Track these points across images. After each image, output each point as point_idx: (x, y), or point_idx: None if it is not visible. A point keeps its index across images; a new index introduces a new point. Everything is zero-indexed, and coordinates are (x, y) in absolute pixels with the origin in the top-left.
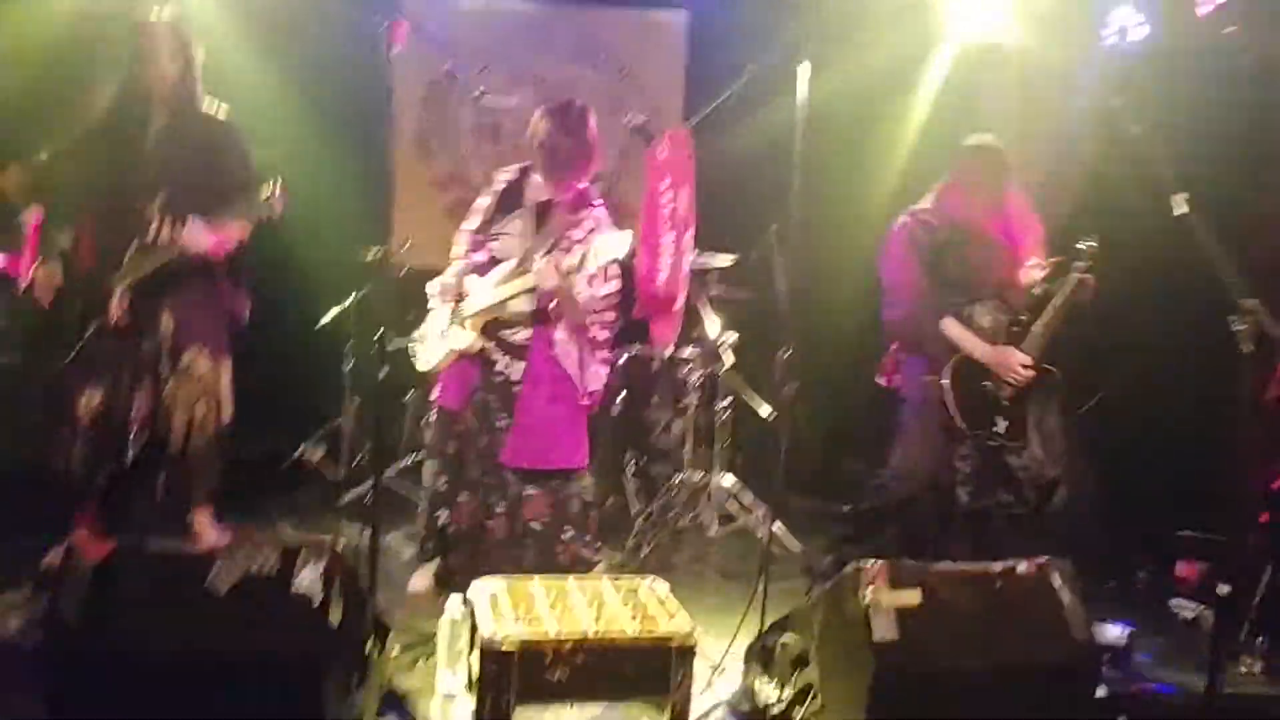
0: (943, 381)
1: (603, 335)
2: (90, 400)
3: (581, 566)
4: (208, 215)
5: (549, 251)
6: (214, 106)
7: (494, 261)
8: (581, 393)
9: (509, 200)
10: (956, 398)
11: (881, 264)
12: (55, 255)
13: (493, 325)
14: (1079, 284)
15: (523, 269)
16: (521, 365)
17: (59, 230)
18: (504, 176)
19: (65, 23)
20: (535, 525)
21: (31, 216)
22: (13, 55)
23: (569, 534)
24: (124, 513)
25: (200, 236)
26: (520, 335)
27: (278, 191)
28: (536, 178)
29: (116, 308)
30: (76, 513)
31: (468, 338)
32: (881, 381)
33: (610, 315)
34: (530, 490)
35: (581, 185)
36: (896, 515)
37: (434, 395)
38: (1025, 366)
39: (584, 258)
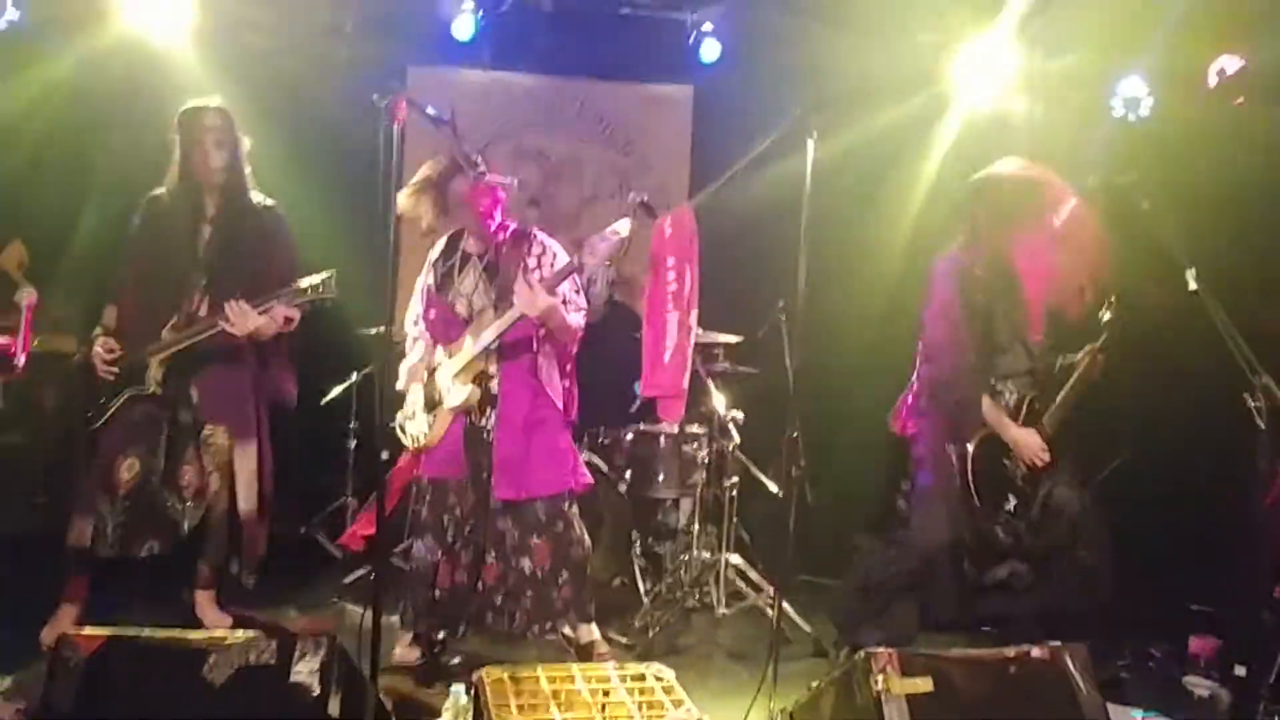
0: (967, 451)
1: (571, 352)
2: (130, 470)
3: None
4: (254, 299)
5: (515, 282)
6: (262, 198)
7: (452, 321)
8: (566, 414)
9: (449, 263)
10: (975, 471)
11: (928, 303)
12: (98, 333)
13: (480, 375)
14: (1093, 362)
15: (498, 311)
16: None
17: (104, 306)
18: (438, 248)
19: (112, 100)
20: (536, 571)
21: (26, 298)
22: (44, 133)
23: (564, 579)
24: (124, 590)
25: (246, 317)
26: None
27: (332, 282)
28: (466, 239)
29: (151, 379)
30: (69, 588)
31: (464, 391)
32: (895, 428)
33: (579, 334)
34: (530, 537)
35: (504, 223)
36: (910, 586)
37: (421, 470)
38: (1044, 449)
39: (574, 260)
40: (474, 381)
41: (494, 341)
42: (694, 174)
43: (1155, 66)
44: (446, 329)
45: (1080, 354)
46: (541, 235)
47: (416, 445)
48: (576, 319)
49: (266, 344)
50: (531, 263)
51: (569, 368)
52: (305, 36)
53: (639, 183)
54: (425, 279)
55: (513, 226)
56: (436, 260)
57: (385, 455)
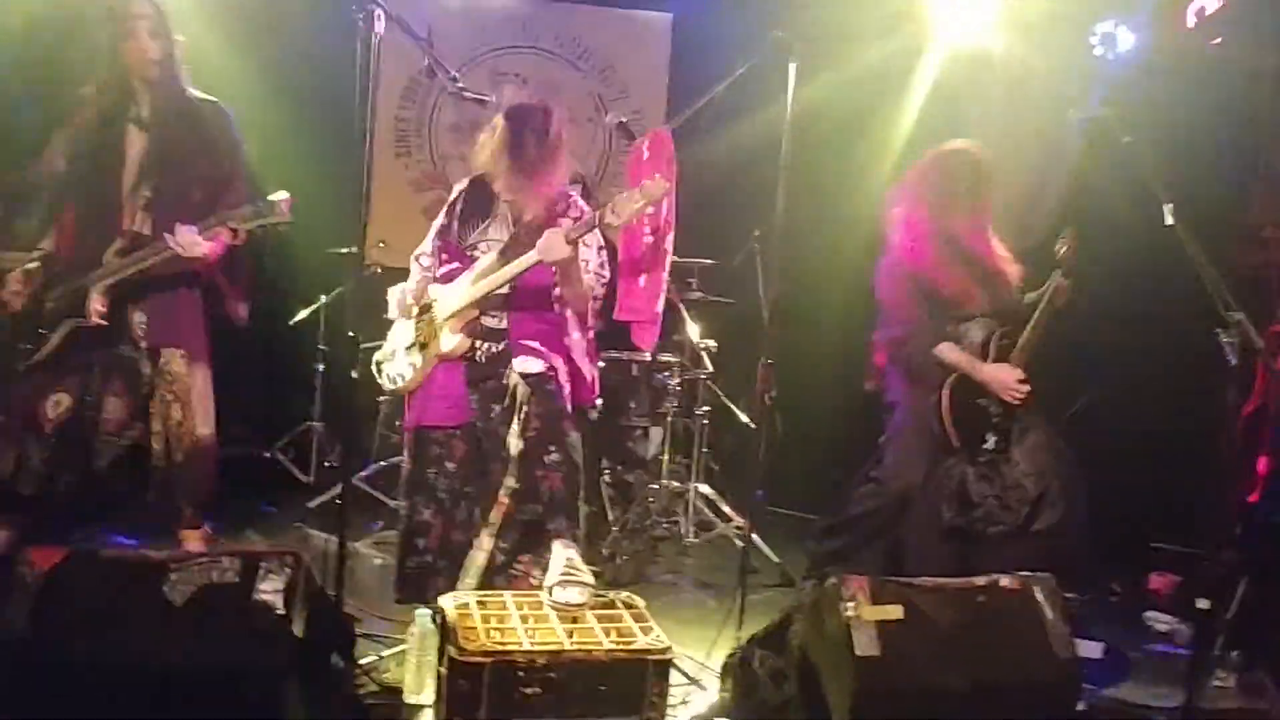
0: (939, 397)
1: (594, 324)
2: (58, 405)
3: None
4: (201, 211)
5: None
6: (201, 92)
7: (464, 267)
8: (586, 391)
9: (476, 209)
10: (951, 414)
11: (876, 280)
12: (35, 257)
13: (477, 325)
14: (1057, 289)
15: (508, 256)
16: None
17: (40, 230)
18: (458, 190)
19: (39, 9)
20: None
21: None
22: None
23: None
24: (99, 521)
25: (192, 242)
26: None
27: (286, 206)
28: (498, 185)
29: (94, 309)
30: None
31: (454, 340)
32: (870, 386)
33: (599, 303)
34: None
35: (552, 191)
36: (882, 526)
37: (408, 422)
38: (1020, 381)
39: (600, 215)
40: (465, 330)
41: (501, 286)
42: (671, 102)
43: (1136, 3)
44: (452, 273)
45: (1044, 287)
46: (575, 195)
47: (394, 387)
48: (591, 281)
49: (216, 262)
50: (564, 222)
51: (590, 335)
52: None
53: (616, 108)
54: (442, 219)
55: (559, 188)
56: (457, 201)
57: (355, 374)
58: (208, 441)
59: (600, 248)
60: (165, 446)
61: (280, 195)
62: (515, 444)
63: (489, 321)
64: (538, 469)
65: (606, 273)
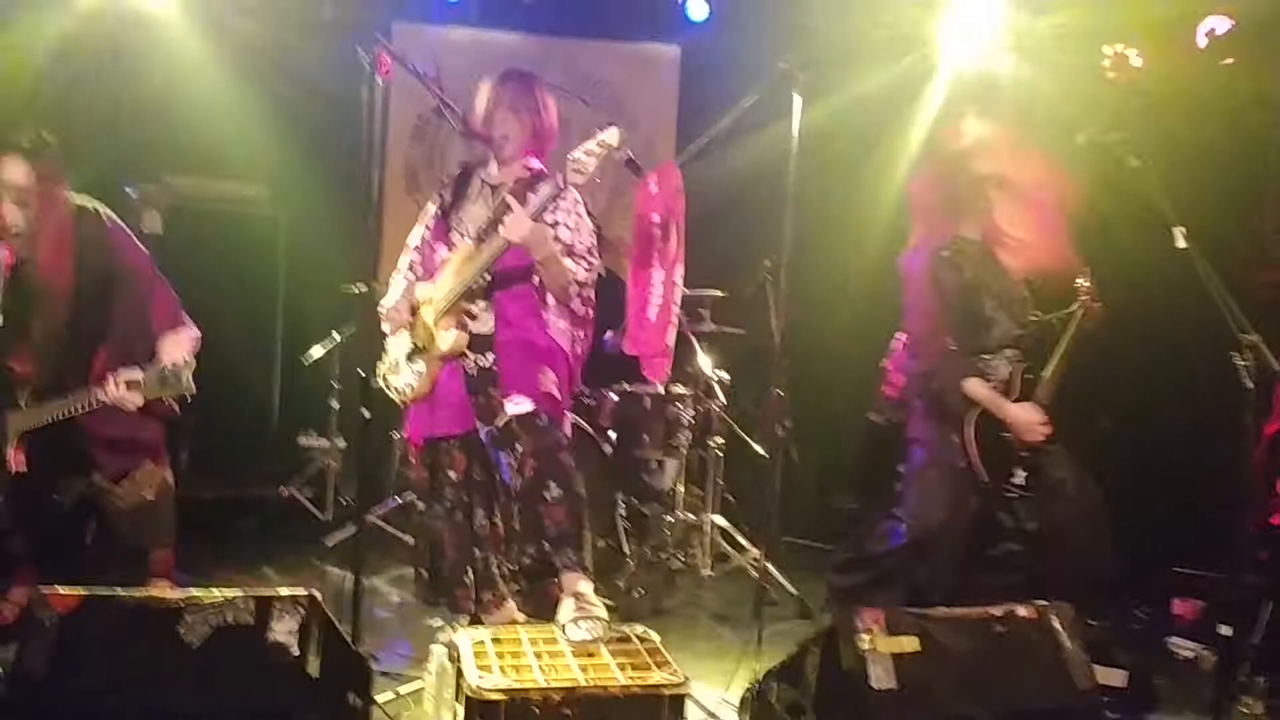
0: (966, 433)
1: (581, 312)
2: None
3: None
4: (121, 346)
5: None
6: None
7: (446, 256)
8: (572, 371)
9: (460, 193)
10: (979, 448)
11: (905, 301)
12: None
13: (463, 318)
14: (1079, 321)
15: (484, 240)
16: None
17: None
18: (448, 177)
19: (96, 60)
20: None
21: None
22: (28, 93)
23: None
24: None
25: (119, 399)
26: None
27: (189, 375)
28: (485, 169)
29: (12, 460)
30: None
31: (450, 337)
32: (876, 418)
33: (589, 290)
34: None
35: (535, 164)
36: (904, 564)
37: (409, 434)
38: (1042, 422)
39: (559, 179)
40: (457, 325)
41: (479, 277)
42: (680, 133)
43: (1144, 26)
44: (441, 265)
45: (1071, 309)
46: (557, 178)
47: (404, 399)
48: (573, 265)
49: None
50: (560, 217)
51: (581, 326)
52: None
53: (626, 141)
54: (431, 208)
55: (539, 167)
56: (446, 187)
57: (368, 416)
58: (167, 481)
59: (591, 232)
60: (127, 487)
61: (188, 364)
62: (512, 478)
63: (476, 325)
64: (539, 506)
65: (594, 258)
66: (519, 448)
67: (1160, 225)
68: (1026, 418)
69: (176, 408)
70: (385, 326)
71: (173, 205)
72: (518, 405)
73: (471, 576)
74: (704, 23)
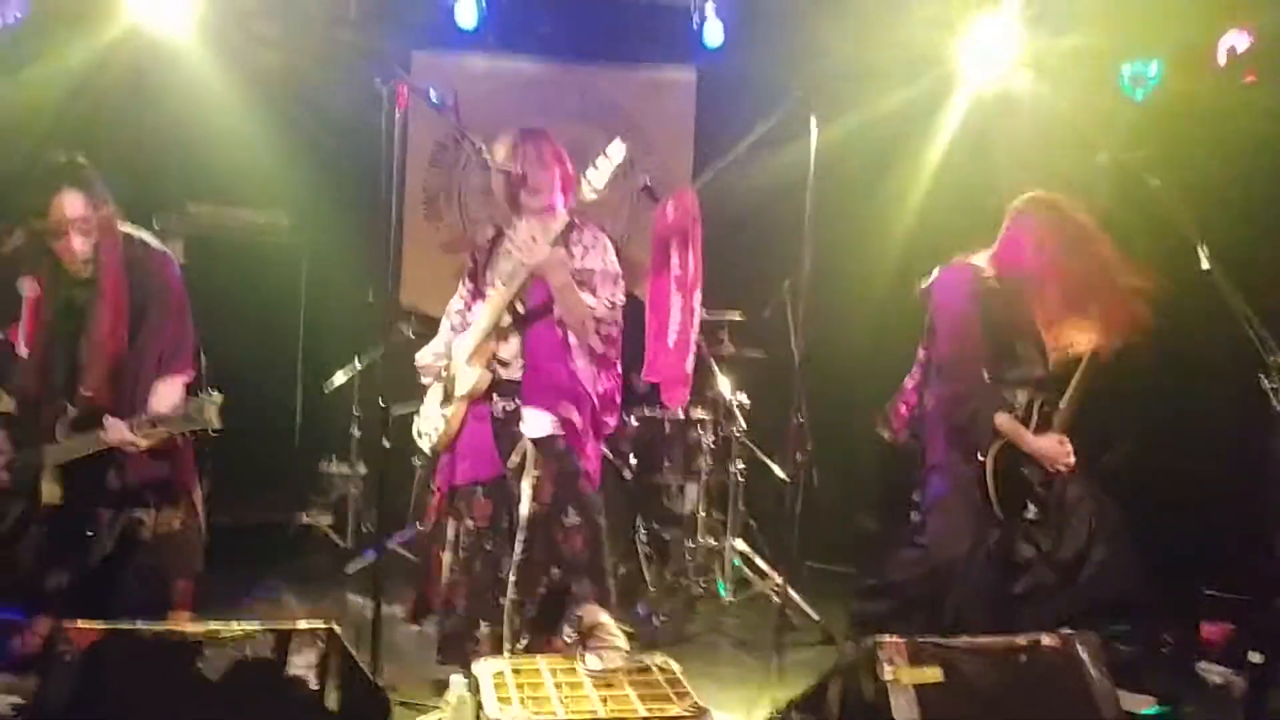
0: (986, 465)
1: (609, 351)
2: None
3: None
4: (144, 385)
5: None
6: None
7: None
8: (599, 422)
9: (495, 251)
10: (995, 484)
11: (937, 322)
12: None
13: (490, 360)
14: (1093, 354)
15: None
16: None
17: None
18: (485, 237)
19: (118, 93)
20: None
21: (28, 288)
22: (50, 127)
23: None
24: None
25: (124, 440)
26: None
27: (215, 412)
28: (511, 232)
29: (49, 494)
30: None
31: (474, 374)
32: (887, 435)
33: (610, 329)
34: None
35: (546, 205)
36: (927, 593)
37: (439, 482)
38: (1068, 454)
39: (579, 194)
40: (484, 365)
41: (505, 312)
42: (697, 157)
43: (1164, 43)
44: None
45: (1082, 343)
46: (595, 229)
47: (433, 444)
48: (591, 299)
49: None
50: (577, 250)
51: (602, 365)
52: (310, 24)
53: (642, 166)
54: (469, 264)
55: (564, 214)
56: (483, 247)
57: (388, 445)
58: (195, 512)
59: (616, 277)
60: (155, 519)
61: (212, 398)
62: (526, 508)
63: (505, 373)
64: (556, 533)
65: (616, 299)
66: (536, 473)
67: (1183, 245)
68: (1051, 448)
69: (196, 441)
70: (423, 379)
71: (194, 235)
72: (535, 428)
73: (486, 628)
74: (719, 46)
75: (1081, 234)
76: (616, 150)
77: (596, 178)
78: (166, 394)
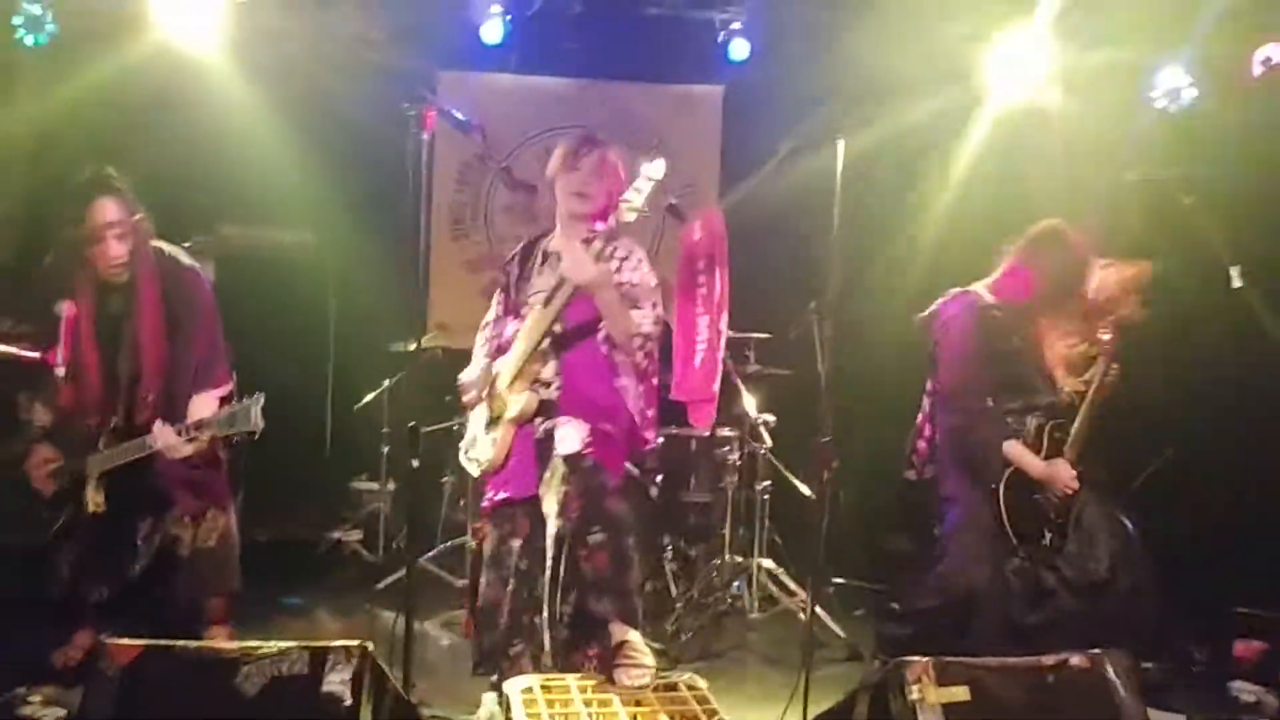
0: (999, 493)
1: (645, 366)
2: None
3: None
4: (182, 395)
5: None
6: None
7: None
8: (640, 439)
9: (529, 264)
10: (1008, 513)
11: (941, 353)
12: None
13: (536, 383)
14: (1103, 378)
15: (552, 300)
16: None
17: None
18: (513, 253)
19: (146, 111)
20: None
21: (65, 310)
22: (80, 144)
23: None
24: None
25: (172, 445)
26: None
27: (258, 413)
28: (550, 239)
29: (93, 501)
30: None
31: (521, 400)
32: (910, 476)
33: (653, 345)
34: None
35: (599, 227)
36: (952, 621)
37: (487, 499)
38: (1073, 477)
39: (616, 218)
40: (529, 387)
41: (547, 331)
42: (724, 173)
43: (1196, 57)
44: (513, 336)
45: (1089, 374)
46: (630, 240)
47: (482, 469)
48: (637, 315)
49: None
50: (623, 266)
51: (644, 379)
52: (336, 44)
53: (668, 183)
54: (500, 279)
55: (599, 226)
56: (511, 262)
57: (416, 464)
58: (231, 528)
59: (655, 287)
60: (193, 534)
61: (256, 400)
62: (554, 523)
63: (545, 393)
64: (581, 550)
65: (658, 311)
66: (564, 489)
67: (1215, 263)
68: (1058, 473)
69: (230, 456)
70: (466, 400)
71: (224, 255)
72: (565, 444)
73: (521, 646)
74: (745, 61)
75: (1081, 261)
76: (657, 168)
77: (638, 197)
78: (205, 405)
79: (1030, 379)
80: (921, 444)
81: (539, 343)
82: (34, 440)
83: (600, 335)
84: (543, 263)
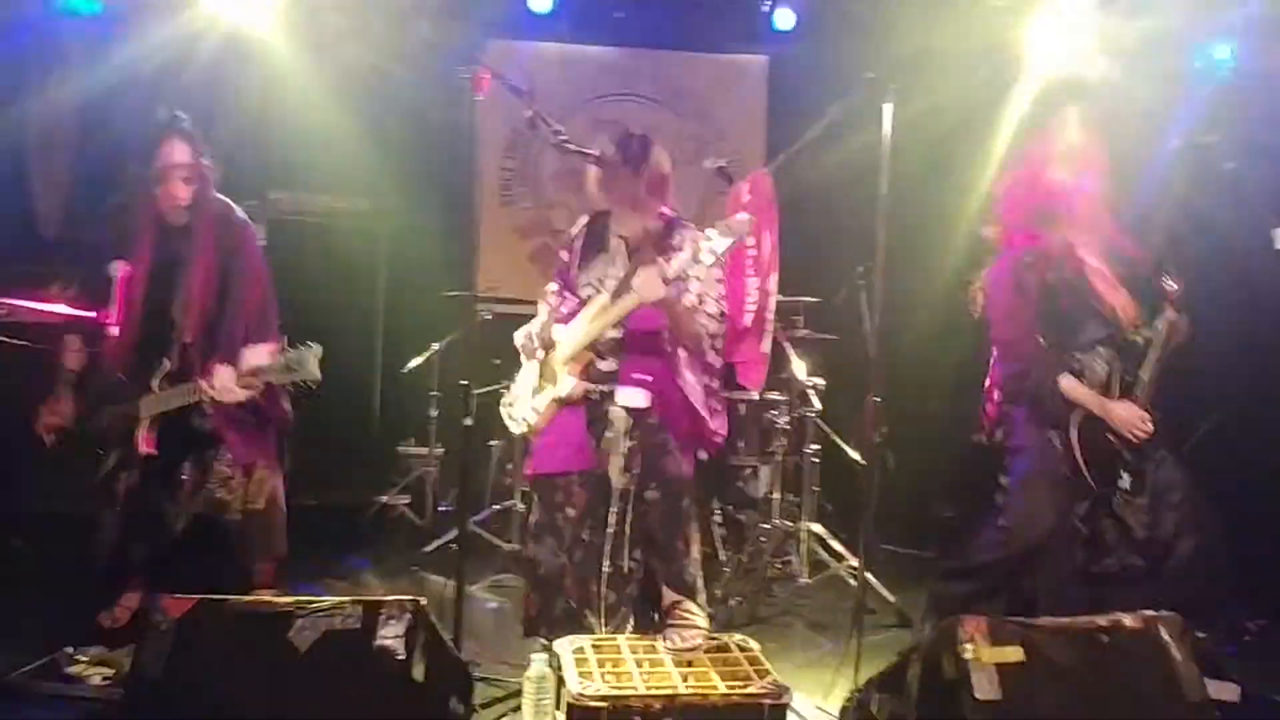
0: (1071, 436)
1: (715, 362)
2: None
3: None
4: (241, 334)
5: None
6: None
7: (583, 306)
8: (708, 432)
9: (591, 246)
10: (1084, 454)
11: (990, 312)
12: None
13: (592, 369)
14: (1172, 326)
15: (619, 295)
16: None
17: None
18: (579, 226)
19: (195, 87)
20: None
21: (119, 270)
22: (130, 121)
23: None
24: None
25: (227, 389)
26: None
27: (315, 360)
28: (615, 219)
29: (143, 442)
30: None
31: (569, 383)
32: (979, 439)
33: (721, 341)
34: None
35: (664, 214)
36: (1011, 574)
37: (529, 468)
38: (1144, 419)
39: (695, 253)
40: (582, 374)
41: (608, 330)
42: (769, 142)
43: (1239, 24)
44: (571, 313)
45: (1159, 322)
46: (692, 229)
47: (521, 430)
48: (706, 322)
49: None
50: (664, 261)
51: (711, 378)
52: (386, 15)
53: (715, 150)
54: (563, 255)
55: (670, 214)
56: (578, 237)
57: (469, 423)
58: (279, 491)
59: (719, 280)
60: (242, 495)
61: (312, 349)
62: (618, 479)
63: (603, 365)
64: (639, 506)
65: (724, 305)
66: (628, 444)
67: (1259, 227)
68: (1128, 415)
69: (290, 413)
70: (521, 353)
71: (275, 219)
72: (630, 398)
73: (576, 610)
74: (790, 31)
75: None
76: (743, 223)
77: (722, 244)
78: (258, 356)
79: (1080, 312)
80: (990, 406)
81: (599, 336)
82: (85, 393)
83: (665, 335)
84: (612, 245)
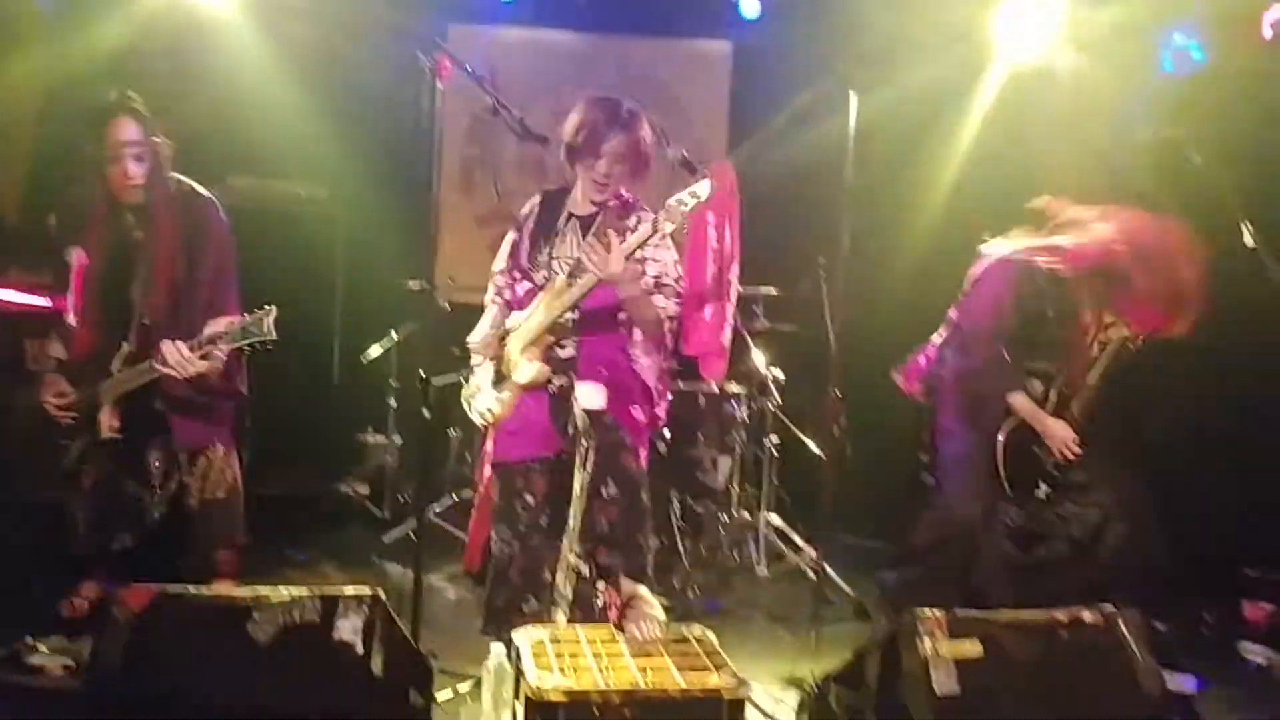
0: (998, 440)
1: (671, 343)
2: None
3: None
4: (200, 311)
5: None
6: (193, 188)
7: (538, 290)
8: (660, 414)
9: (545, 225)
10: (1005, 461)
11: (969, 301)
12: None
13: (551, 355)
14: (1120, 347)
15: (575, 276)
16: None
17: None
18: (530, 205)
19: (156, 66)
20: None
21: (76, 257)
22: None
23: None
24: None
25: (182, 362)
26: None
27: (271, 320)
28: (573, 194)
29: (107, 424)
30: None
31: (531, 369)
32: (899, 381)
33: (675, 321)
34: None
35: (621, 195)
36: (952, 558)
37: (491, 456)
38: (1074, 440)
39: (654, 223)
40: (543, 357)
41: (567, 312)
42: (732, 131)
43: (1207, 17)
44: (527, 295)
45: (1109, 341)
46: (649, 212)
47: (484, 422)
48: (662, 301)
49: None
50: (631, 225)
51: (665, 360)
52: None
53: (678, 138)
54: (513, 235)
55: (624, 193)
56: (528, 218)
57: (428, 415)
58: (237, 480)
59: (676, 263)
60: (201, 485)
61: (268, 311)
62: (578, 477)
63: (561, 352)
64: (596, 502)
65: (681, 287)
66: (585, 443)
67: (1227, 223)
68: (1061, 432)
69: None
70: (474, 356)
71: (234, 205)
72: (588, 399)
73: (535, 603)
74: (757, 19)
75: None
76: (704, 188)
77: (679, 210)
78: (215, 326)
79: (1053, 349)
80: (922, 360)
81: (557, 318)
82: (47, 376)
83: (621, 316)
84: (565, 225)
